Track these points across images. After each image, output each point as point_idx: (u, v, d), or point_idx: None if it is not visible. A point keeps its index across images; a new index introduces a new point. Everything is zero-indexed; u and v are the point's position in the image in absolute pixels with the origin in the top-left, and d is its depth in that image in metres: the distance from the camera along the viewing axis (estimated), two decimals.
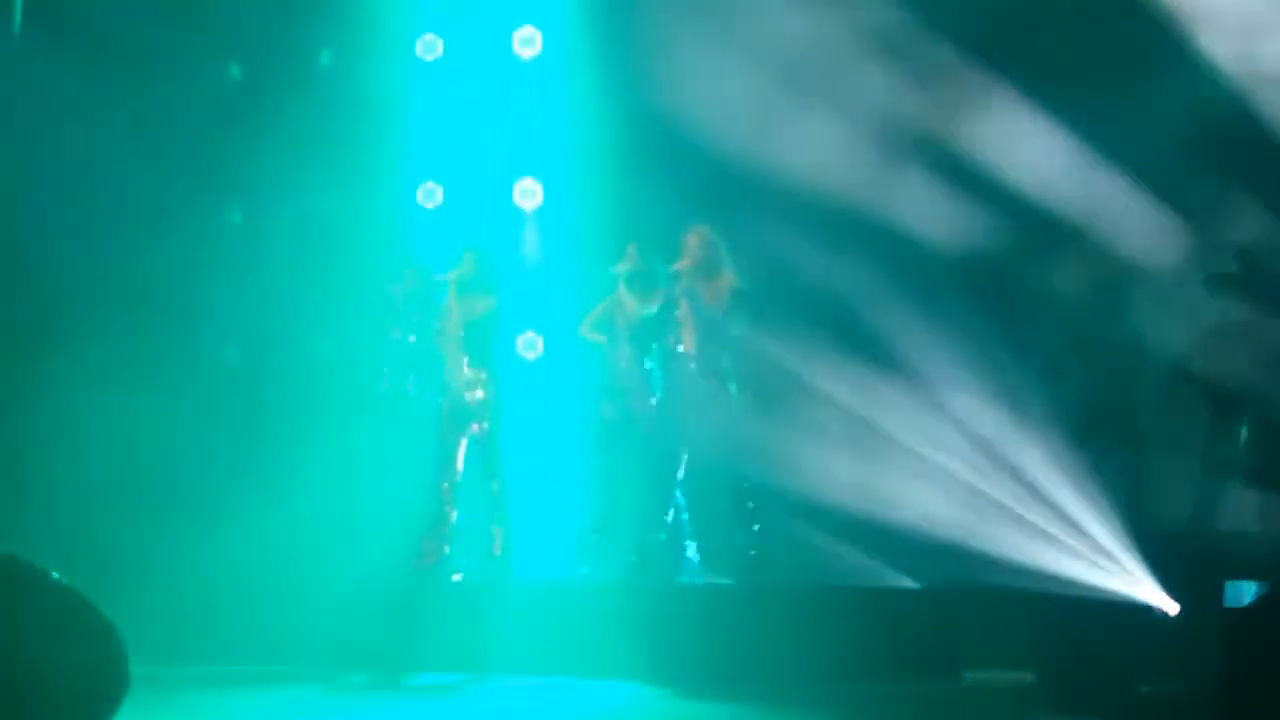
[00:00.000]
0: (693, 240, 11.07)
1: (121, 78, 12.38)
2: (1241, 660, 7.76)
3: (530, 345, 13.23)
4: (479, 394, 11.43)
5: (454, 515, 11.50)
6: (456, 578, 11.50)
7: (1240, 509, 10.99)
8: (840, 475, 12.33)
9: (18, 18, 12.14)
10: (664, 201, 12.24)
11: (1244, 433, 11.26)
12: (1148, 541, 10.08)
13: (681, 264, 11.03)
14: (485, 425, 11.42)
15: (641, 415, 11.71)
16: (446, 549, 11.45)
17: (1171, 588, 9.47)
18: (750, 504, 10.99)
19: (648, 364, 11.69)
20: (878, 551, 11.69)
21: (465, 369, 11.45)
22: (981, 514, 12.15)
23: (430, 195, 13.58)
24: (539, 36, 13.43)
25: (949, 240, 12.12)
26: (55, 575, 5.69)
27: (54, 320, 12.24)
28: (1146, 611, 9.34)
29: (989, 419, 12.28)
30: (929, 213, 12.09)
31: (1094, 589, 9.62)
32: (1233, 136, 11.35)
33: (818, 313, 12.20)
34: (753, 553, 10.97)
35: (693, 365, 11.03)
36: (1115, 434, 11.96)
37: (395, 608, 11.10)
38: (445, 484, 11.48)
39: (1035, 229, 12.01)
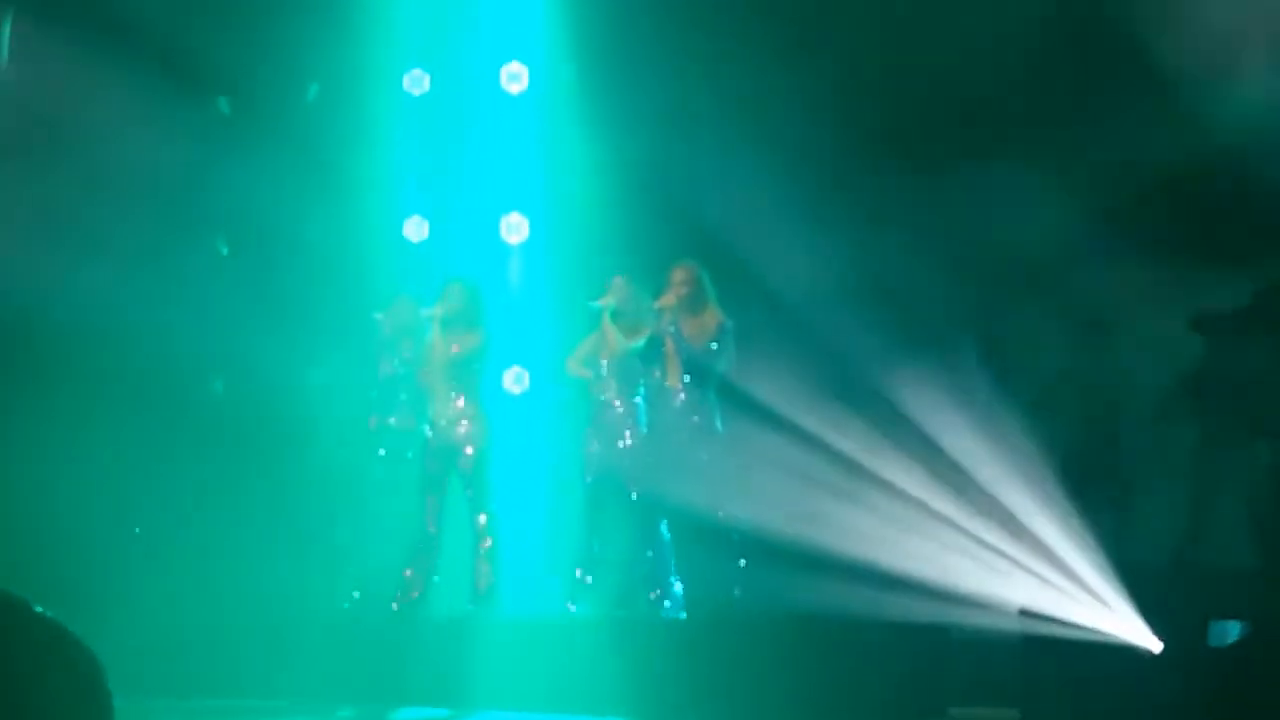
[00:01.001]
0: (678, 276, 11.09)
1: (107, 111, 12.39)
2: (1226, 699, 7.76)
3: (517, 380, 13.23)
4: (465, 428, 11.42)
5: (438, 550, 11.49)
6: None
7: (1226, 545, 11.00)
8: (824, 512, 12.33)
9: (4, 52, 12.15)
10: (650, 237, 12.27)
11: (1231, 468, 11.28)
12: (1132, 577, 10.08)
13: (667, 299, 11.04)
14: (471, 459, 11.41)
15: (627, 450, 11.70)
16: (429, 585, 11.44)
17: (1156, 625, 9.46)
18: (735, 539, 10.98)
19: (633, 399, 11.69)
20: (861, 587, 11.69)
21: (451, 403, 11.44)
22: (964, 551, 12.16)
23: (417, 229, 13.59)
24: (526, 72, 13.46)
25: (932, 278, 12.16)
26: (38, 608, 5.68)
27: (38, 353, 12.21)
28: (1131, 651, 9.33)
29: (973, 455, 12.30)
30: (908, 249, 12.13)
31: (1079, 627, 9.61)
32: (1208, 171, 11.40)
33: (801, 350, 12.22)
34: (737, 593, 10.96)
35: (678, 400, 11.03)
36: (1100, 469, 11.99)
37: (381, 642, 11.08)
38: (430, 518, 11.47)
39: (1016, 271, 12.06)
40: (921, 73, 12.00)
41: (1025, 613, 9.67)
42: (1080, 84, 11.98)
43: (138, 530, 12.00)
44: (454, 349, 11.46)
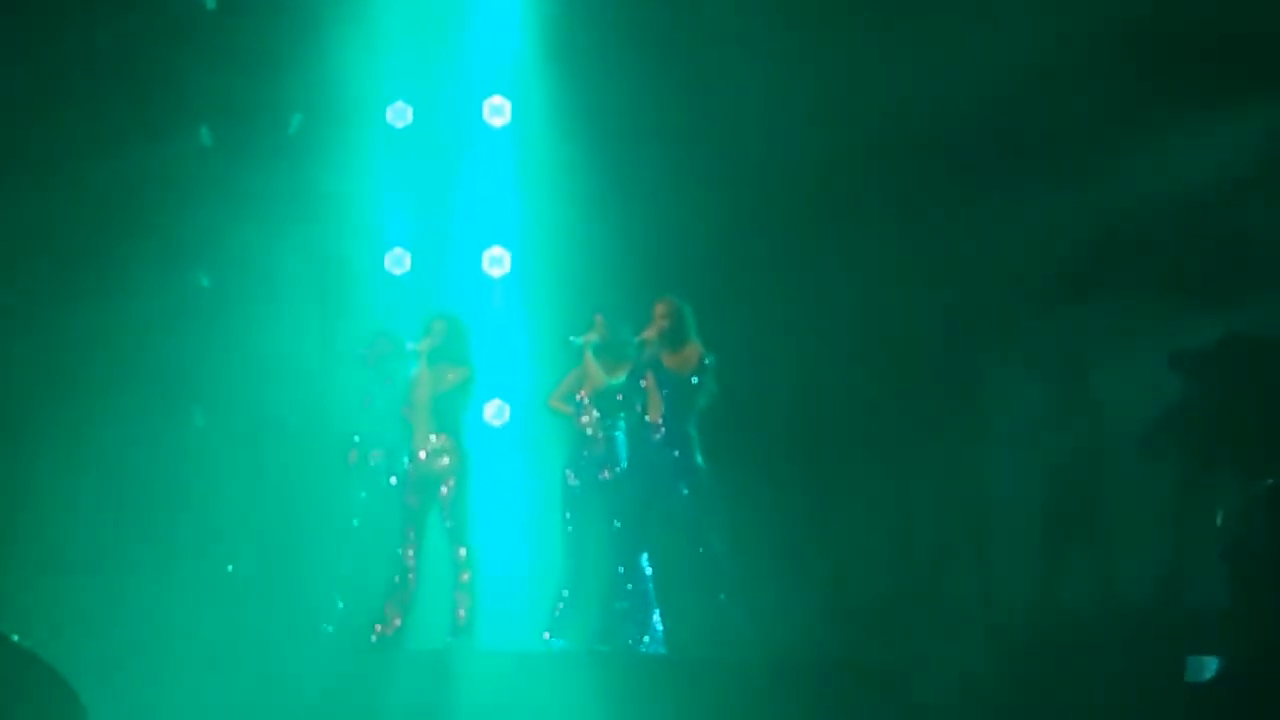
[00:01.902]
0: (660, 310, 11.08)
1: (91, 140, 12.41)
2: None
3: (497, 413, 13.23)
4: (445, 461, 11.40)
5: (418, 582, 11.46)
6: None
7: (1204, 582, 11.01)
8: (805, 546, 12.35)
9: None
10: (632, 271, 12.29)
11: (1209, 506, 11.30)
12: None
13: (648, 333, 11.04)
14: (451, 492, 11.38)
15: (607, 484, 11.69)
16: (408, 618, 11.41)
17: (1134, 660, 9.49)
18: (715, 574, 10.96)
19: (614, 433, 11.69)
20: (840, 624, 11.69)
21: (432, 436, 11.42)
22: (943, 587, 12.18)
23: (399, 262, 13.59)
24: (508, 105, 13.49)
25: (912, 309, 12.19)
26: (15, 638, 5.67)
27: (18, 383, 12.20)
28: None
29: (953, 490, 12.33)
30: (890, 280, 12.16)
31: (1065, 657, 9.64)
32: (1186, 209, 11.46)
33: (782, 382, 12.25)
34: (717, 624, 10.93)
35: (659, 435, 11.02)
36: (1082, 507, 12.01)
37: (359, 674, 11.04)
38: (410, 551, 11.44)
39: (992, 308, 12.10)
40: (904, 112, 12.05)
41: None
42: (1057, 123, 12.04)
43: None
44: (441, 383, 11.42)
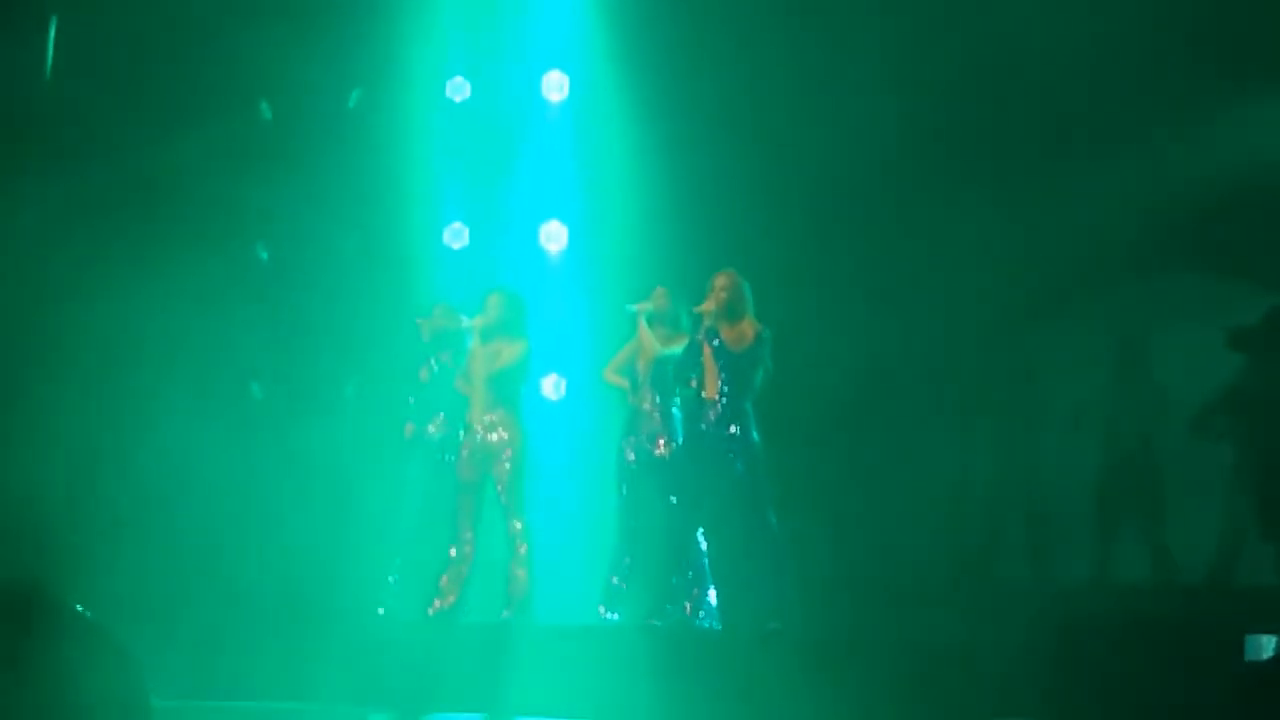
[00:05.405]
0: (719, 281, 11.05)
1: (152, 115, 12.47)
2: (1262, 714, 7.74)
3: (554, 387, 13.26)
4: (501, 435, 11.43)
5: (474, 556, 11.50)
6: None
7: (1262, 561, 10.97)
8: (859, 523, 12.34)
9: (49, 59, 12.24)
10: (688, 247, 12.29)
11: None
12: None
13: (705, 307, 11.02)
14: (507, 466, 11.40)
15: (663, 458, 11.71)
16: (464, 592, 11.46)
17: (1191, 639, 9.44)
18: (770, 550, 10.96)
19: (670, 407, 11.70)
20: (893, 602, 11.69)
21: (488, 410, 11.44)
22: (997, 565, 12.17)
23: (457, 236, 13.64)
24: (567, 81, 13.51)
25: (969, 287, 12.16)
26: (80, 608, 5.72)
27: (77, 355, 12.29)
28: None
29: (1003, 469, 12.31)
30: (948, 258, 12.13)
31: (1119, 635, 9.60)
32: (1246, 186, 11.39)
33: (838, 359, 12.24)
34: (771, 599, 10.94)
35: (715, 410, 11.01)
36: (1138, 486, 11.99)
37: (415, 648, 11.10)
38: (466, 525, 11.48)
39: (1050, 286, 12.06)
40: (966, 84, 12.00)
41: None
42: (1118, 99, 11.97)
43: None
44: (497, 358, 11.43)
